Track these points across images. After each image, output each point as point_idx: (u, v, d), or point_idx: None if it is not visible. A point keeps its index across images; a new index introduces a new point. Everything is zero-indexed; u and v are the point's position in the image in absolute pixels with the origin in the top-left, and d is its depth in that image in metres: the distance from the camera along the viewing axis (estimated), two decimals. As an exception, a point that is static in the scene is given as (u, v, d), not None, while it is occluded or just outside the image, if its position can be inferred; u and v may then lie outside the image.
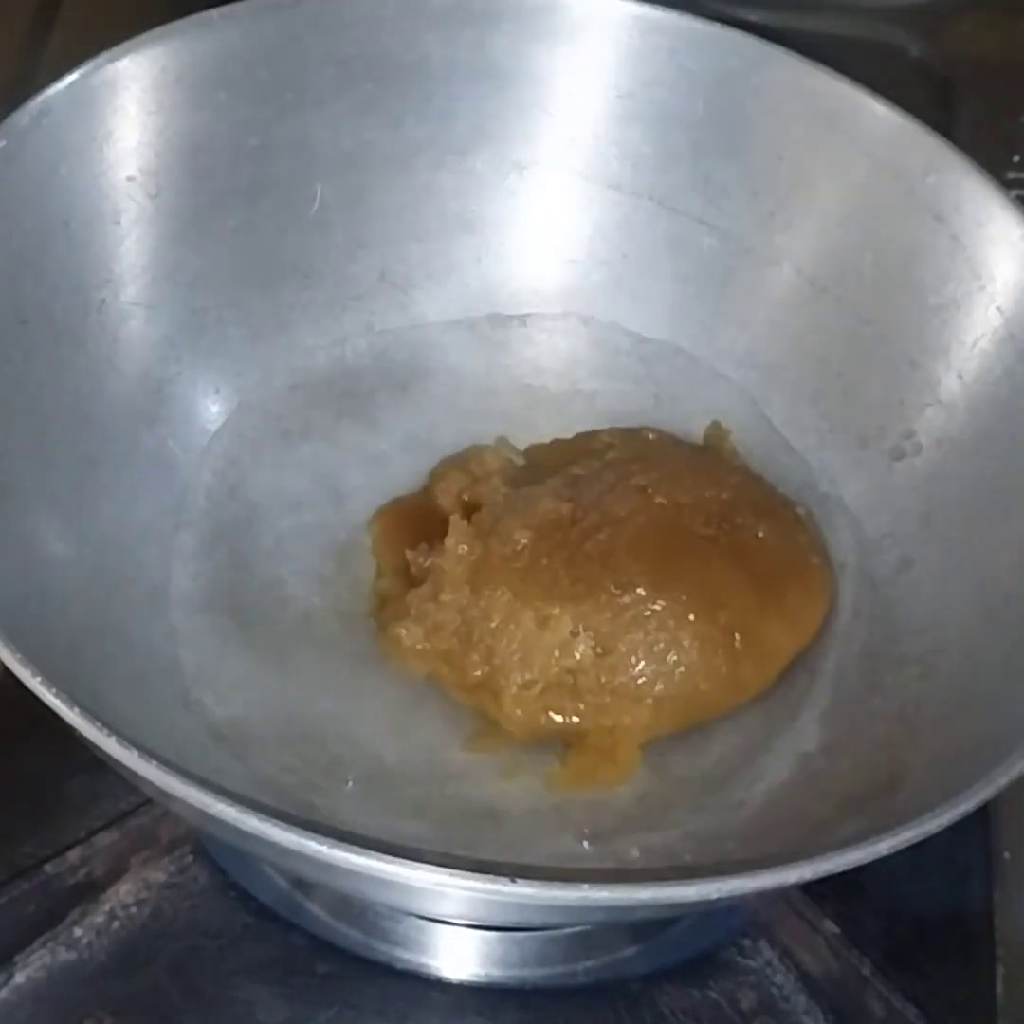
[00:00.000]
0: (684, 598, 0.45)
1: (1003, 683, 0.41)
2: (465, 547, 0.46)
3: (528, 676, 0.45)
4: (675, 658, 0.45)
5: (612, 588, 0.45)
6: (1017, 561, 0.44)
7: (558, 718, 0.45)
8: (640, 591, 0.45)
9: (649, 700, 0.45)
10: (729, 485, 0.49)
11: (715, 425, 0.54)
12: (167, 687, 0.45)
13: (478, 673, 0.46)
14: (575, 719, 0.45)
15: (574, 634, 0.45)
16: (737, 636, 0.46)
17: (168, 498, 0.49)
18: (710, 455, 0.52)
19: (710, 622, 0.45)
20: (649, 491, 0.48)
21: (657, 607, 0.45)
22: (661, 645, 0.45)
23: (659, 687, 0.45)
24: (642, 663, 0.45)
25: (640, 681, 0.45)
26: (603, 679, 0.45)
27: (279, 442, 0.52)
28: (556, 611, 0.45)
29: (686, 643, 0.45)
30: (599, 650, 0.45)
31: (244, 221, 0.52)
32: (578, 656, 0.45)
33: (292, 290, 0.54)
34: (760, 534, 0.48)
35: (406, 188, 0.54)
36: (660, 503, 0.48)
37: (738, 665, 0.46)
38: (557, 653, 0.45)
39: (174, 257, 0.50)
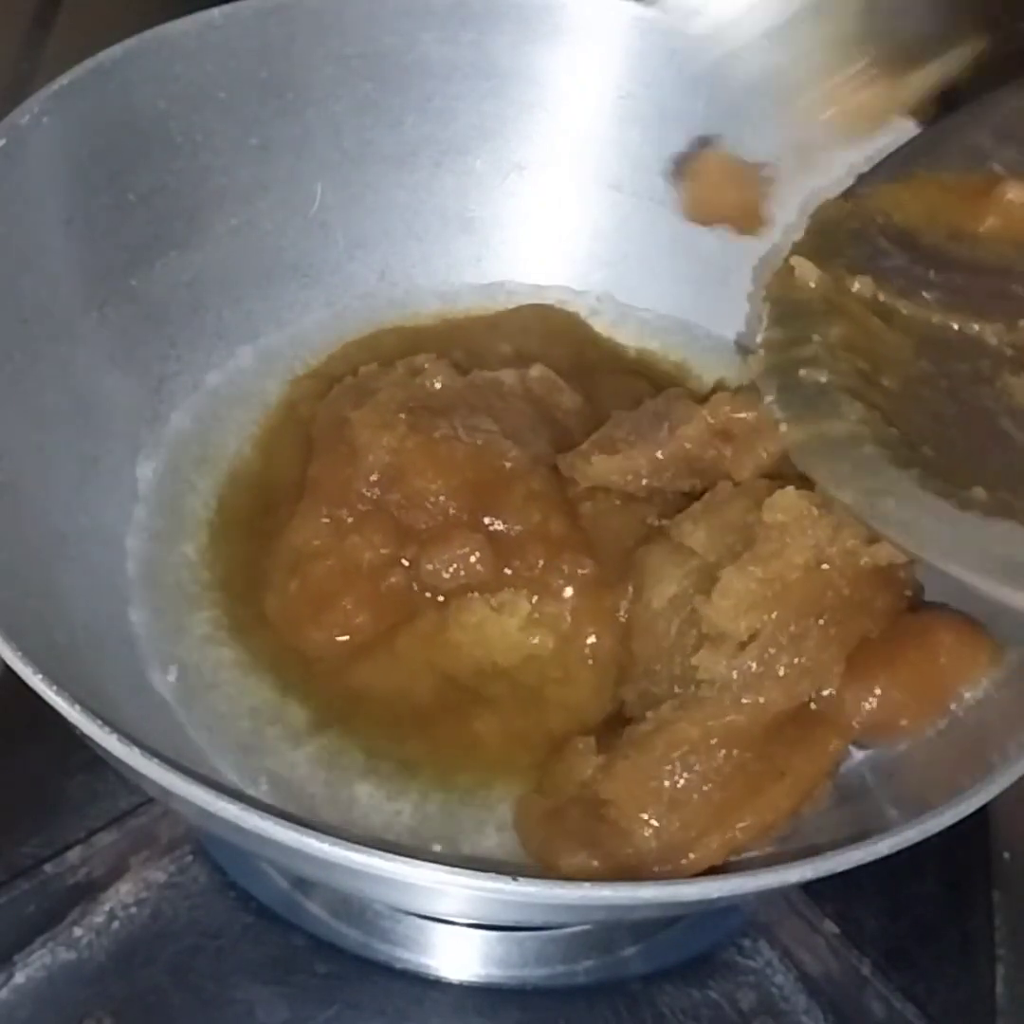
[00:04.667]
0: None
1: (1002, 684, 0.41)
2: None
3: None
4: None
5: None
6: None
7: None
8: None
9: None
10: None
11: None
12: (167, 686, 0.45)
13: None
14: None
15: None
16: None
17: (168, 497, 0.49)
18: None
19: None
20: None
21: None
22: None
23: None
24: None
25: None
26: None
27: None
28: None
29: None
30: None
31: (244, 220, 0.52)
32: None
33: (292, 289, 0.54)
34: None
35: (406, 187, 0.54)
36: None
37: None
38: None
39: (174, 257, 0.50)
